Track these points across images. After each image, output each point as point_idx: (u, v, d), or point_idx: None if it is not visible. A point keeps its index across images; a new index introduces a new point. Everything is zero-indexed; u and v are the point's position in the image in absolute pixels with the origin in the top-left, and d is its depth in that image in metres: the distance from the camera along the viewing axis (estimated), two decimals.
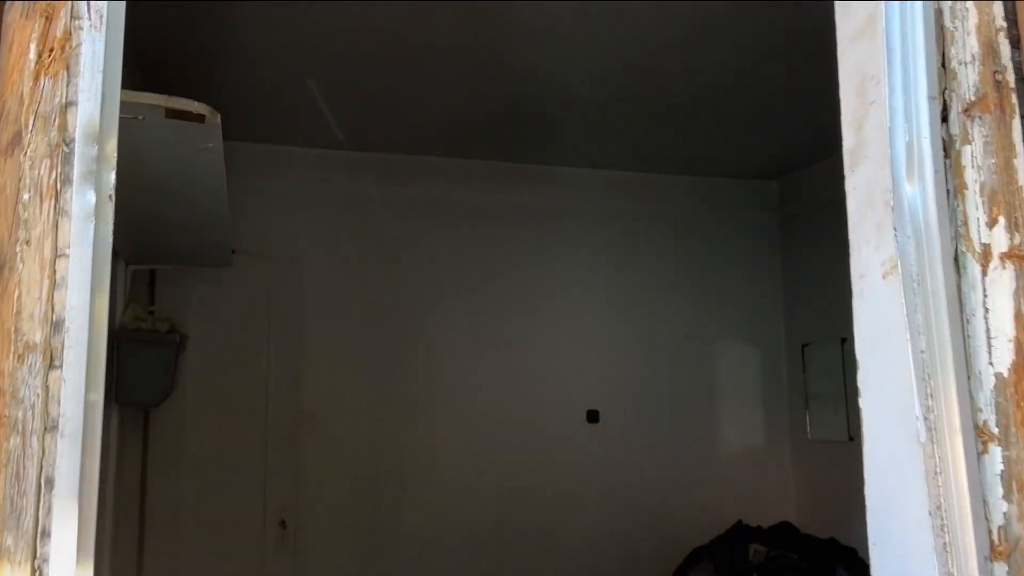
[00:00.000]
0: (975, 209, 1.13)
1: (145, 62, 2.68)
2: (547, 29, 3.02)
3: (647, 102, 3.86)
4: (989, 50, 1.13)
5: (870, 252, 1.17)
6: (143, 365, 3.07)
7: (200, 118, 1.72)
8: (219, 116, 1.75)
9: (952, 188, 1.14)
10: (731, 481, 4.90)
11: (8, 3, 1.10)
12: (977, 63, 1.13)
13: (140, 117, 1.74)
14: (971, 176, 1.13)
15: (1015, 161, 1.11)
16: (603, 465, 4.73)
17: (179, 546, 3.82)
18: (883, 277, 1.14)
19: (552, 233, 4.85)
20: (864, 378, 1.17)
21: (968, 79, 1.14)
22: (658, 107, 3.93)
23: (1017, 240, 1.09)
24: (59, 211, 1.04)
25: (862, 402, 1.17)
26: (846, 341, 4.58)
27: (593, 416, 4.76)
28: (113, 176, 1.07)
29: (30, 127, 1.06)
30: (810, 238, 4.97)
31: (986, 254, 1.11)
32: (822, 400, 4.77)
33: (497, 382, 4.65)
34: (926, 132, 1.13)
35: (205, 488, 3.93)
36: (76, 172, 1.05)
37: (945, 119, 1.15)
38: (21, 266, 1.02)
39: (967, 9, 1.14)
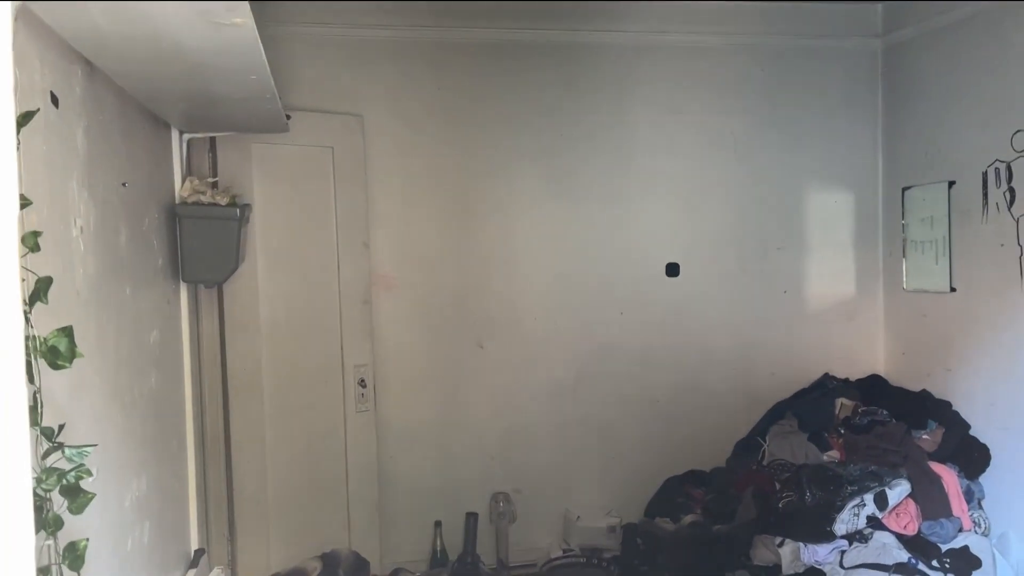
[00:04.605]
0: None
1: None
2: None
3: None
4: None
5: None
6: (205, 242, 2.97)
7: None
8: None
9: None
10: (819, 334, 4.71)
11: None
12: None
13: None
14: None
15: None
16: (683, 319, 4.59)
17: (263, 409, 3.89)
18: None
19: (631, 74, 4.49)
20: None
21: None
22: None
23: None
24: None
25: None
26: (954, 184, 4.19)
27: (673, 270, 4.57)
28: None
29: None
30: (917, 69, 4.46)
31: None
32: (922, 248, 4.45)
33: (573, 236, 4.48)
34: None
35: (283, 352, 3.94)
36: None
37: None
38: None
39: None
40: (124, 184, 2.41)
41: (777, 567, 3.66)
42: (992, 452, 3.98)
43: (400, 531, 4.29)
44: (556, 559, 4.31)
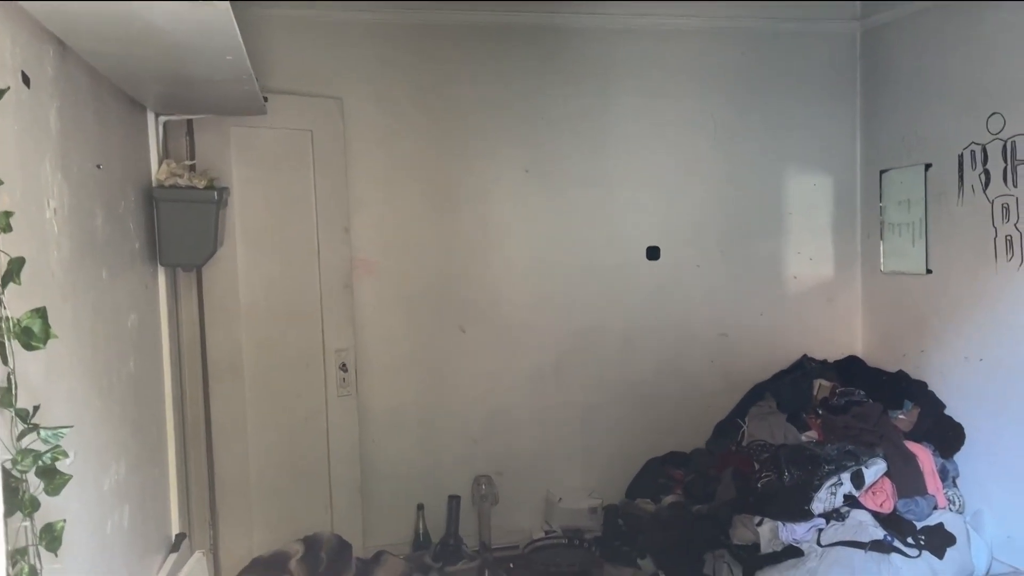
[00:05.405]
0: None
1: None
2: None
3: None
4: None
5: None
6: (183, 225, 2.95)
7: None
8: None
9: None
10: (797, 316, 4.75)
11: None
12: None
13: None
14: None
15: None
16: (664, 302, 4.62)
17: (244, 394, 3.88)
18: None
19: (612, 58, 4.49)
20: None
21: None
22: None
23: None
24: None
25: None
26: (931, 167, 4.23)
27: (653, 253, 4.59)
28: None
29: None
30: (895, 53, 4.49)
31: None
32: (899, 230, 4.49)
33: (554, 220, 4.48)
34: None
35: (264, 336, 3.92)
36: None
37: None
38: None
39: None
40: (99, 166, 2.39)
41: (756, 545, 3.70)
42: (966, 431, 4.04)
43: (382, 514, 4.29)
44: (538, 540, 4.34)
